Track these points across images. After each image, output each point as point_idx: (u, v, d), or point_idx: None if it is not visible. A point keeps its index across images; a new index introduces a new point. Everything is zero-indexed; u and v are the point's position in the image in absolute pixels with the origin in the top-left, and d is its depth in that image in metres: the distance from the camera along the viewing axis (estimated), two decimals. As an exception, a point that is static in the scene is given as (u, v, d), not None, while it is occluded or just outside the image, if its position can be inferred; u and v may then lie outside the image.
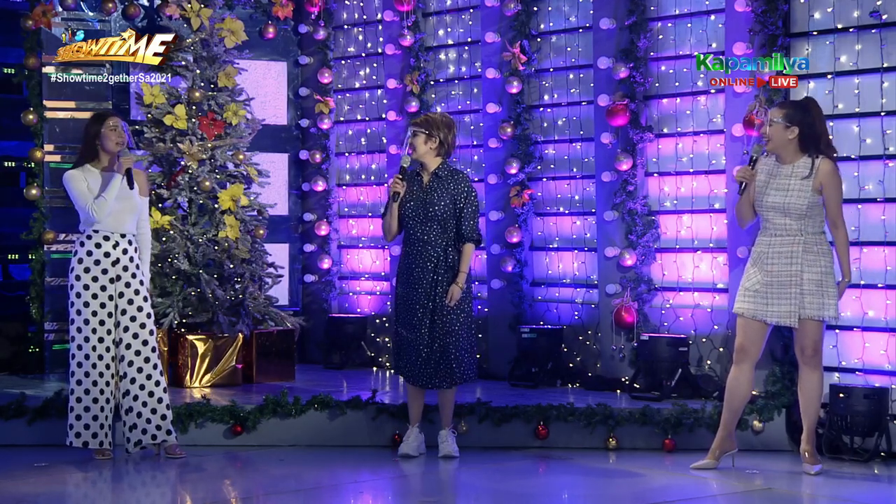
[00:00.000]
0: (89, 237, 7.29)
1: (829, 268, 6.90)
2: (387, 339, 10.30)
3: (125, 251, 7.31)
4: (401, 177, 7.27)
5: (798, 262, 6.86)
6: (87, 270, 7.27)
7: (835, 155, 7.00)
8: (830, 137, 7.04)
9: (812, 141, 6.90)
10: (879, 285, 7.61)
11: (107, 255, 7.27)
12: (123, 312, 7.31)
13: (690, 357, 8.43)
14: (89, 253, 7.27)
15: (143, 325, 7.33)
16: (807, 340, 6.92)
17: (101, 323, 7.28)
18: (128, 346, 7.30)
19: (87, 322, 7.26)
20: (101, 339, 7.27)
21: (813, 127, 6.89)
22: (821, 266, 6.88)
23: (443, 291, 7.24)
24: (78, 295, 7.28)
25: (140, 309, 7.33)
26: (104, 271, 7.27)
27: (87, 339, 7.26)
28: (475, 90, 9.85)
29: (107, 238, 7.28)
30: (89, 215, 7.22)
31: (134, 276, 7.32)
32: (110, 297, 7.29)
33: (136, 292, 7.33)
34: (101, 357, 7.27)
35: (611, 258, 8.85)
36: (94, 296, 7.26)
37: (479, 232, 7.38)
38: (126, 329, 7.30)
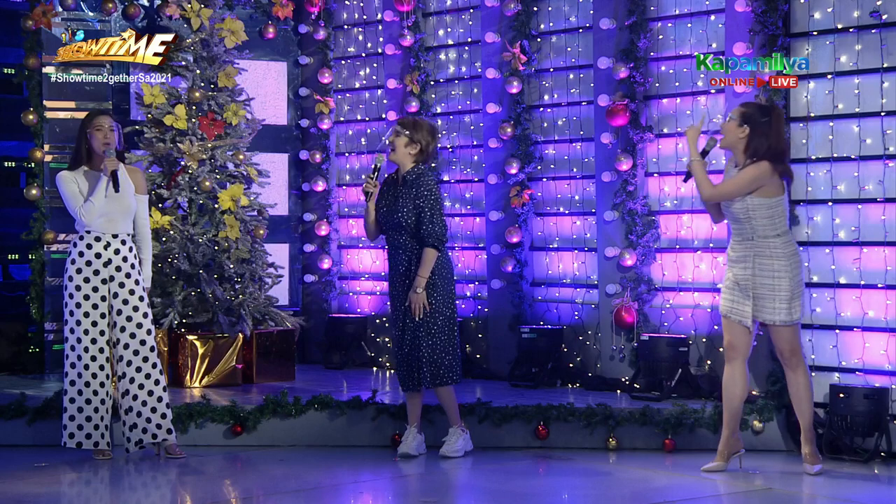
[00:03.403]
0: (81, 238, 7.30)
1: (783, 272, 6.84)
2: (387, 339, 10.30)
3: (117, 251, 7.31)
4: (373, 176, 7.29)
5: (751, 267, 6.88)
6: (78, 271, 7.27)
7: (782, 168, 6.88)
8: (784, 149, 6.94)
9: (759, 146, 6.82)
10: (879, 285, 7.61)
11: (98, 255, 7.27)
12: (119, 313, 7.30)
13: (690, 357, 8.43)
14: (81, 254, 7.28)
15: (139, 325, 7.33)
16: (780, 343, 6.96)
17: (94, 324, 7.27)
18: (126, 346, 7.30)
19: (79, 323, 7.26)
20: (93, 340, 7.27)
21: (763, 132, 6.81)
22: (774, 269, 6.86)
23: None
24: (70, 296, 7.28)
25: (136, 309, 7.32)
26: (96, 272, 7.27)
27: (79, 340, 7.26)
28: (475, 90, 9.85)
29: (98, 239, 7.28)
30: (78, 219, 7.24)
31: (128, 276, 7.31)
32: (103, 298, 7.29)
33: (131, 292, 7.32)
34: (94, 358, 7.27)
35: (611, 258, 8.86)
36: (86, 297, 7.26)
37: (439, 235, 7.18)
38: (123, 329, 7.30)
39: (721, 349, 8.34)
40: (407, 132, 7.29)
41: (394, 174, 7.40)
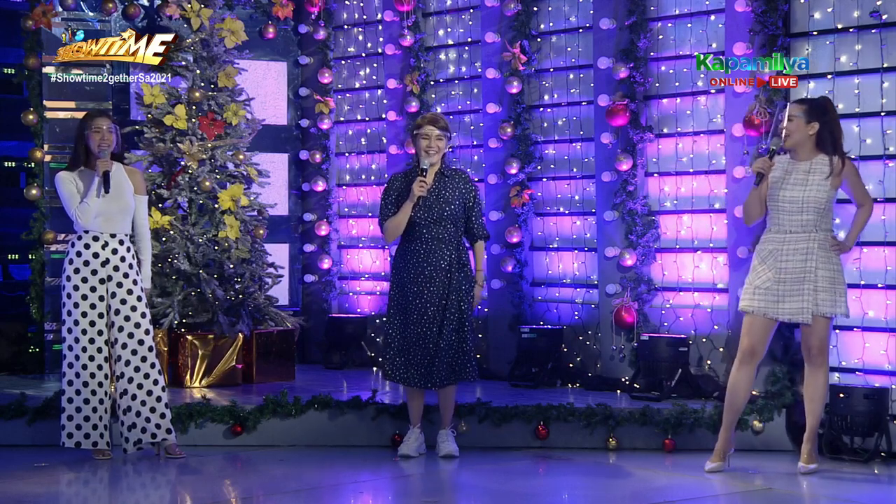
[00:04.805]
0: (80, 238, 7.30)
1: (840, 266, 6.93)
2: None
3: (115, 251, 7.31)
4: (425, 180, 7.24)
5: (813, 259, 6.86)
6: (76, 271, 7.27)
7: (849, 155, 7.08)
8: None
9: (830, 139, 6.92)
10: (879, 285, 7.61)
11: (96, 255, 7.28)
12: (117, 312, 7.30)
13: (690, 357, 8.43)
14: (79, 254, 7.28)
15: (137, 325, 7.32)
16: (814, 339, 6.91)
17: (92, 324, 7.27)
18: (124, 346, 7.30)
19: (77, 323, 7.26)
20: (91, 340, 7.27)
21: (831, 125, 6.93)
22: (833, 263, 6.90)
23: (456, 289, 7.26)
24: (69, 296, 7.28)
25: (134, 308, 7.32)
26: (94, 272, 7.27)
27: (77, 340, 7.26)
28: (475, 90, 9.85)
29: (96, 239, 7.28)
30: (74, 219, 7.24)
31: (126, 276, 7.32)
32: (101, 298, 7.29)
33: (129, 292, 7.32)
34: (92, 358, 7.27)
35: (611, 258, 8.85)
36: (84, 296, 7.26)
37: (486, 228, 7.52)
38: (121, 329, 7.30)
39: (721, 349, 8.37)
40: (447, 133, 7.32)
41: (421, 169, 7.26)
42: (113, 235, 7.32)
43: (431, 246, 7.28)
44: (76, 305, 7.27)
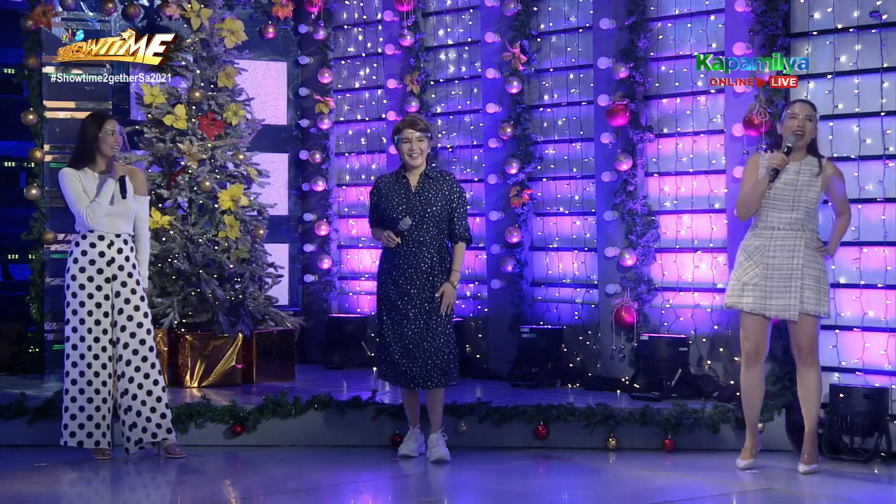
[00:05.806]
0: (84, 237, 7.30)
1: (825, 266, 7.00)
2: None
3: (120, 251, 7.32)
4: (398, 239, 7.23)
5: (800, 257, 6.90)
6: (82, 270, 7.28)
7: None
8: None
9: (815, 140, 7.06)
10: (879, 285, 7.61)
11: (101, 254, 7.28)
12: (120, 312, 7.31)
13: (690, 357, 8.43)
14: (84, 253, 7.28)
15: (140, 325, 7.33)
16: (803, 338, 6.95)
17: (97, 323, 7.28)
18: (125, 346, 7.30)
19: (82, 322, 7.27)
20: (96, 339, 7.28)
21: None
22: (818, 263, 6.97)
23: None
24: (73, 295, 7.29)
25: (137, 308, 7.33)
26: (99, 271, 7.28)
27: (82, 339, 7.27)
28: (475, 90, 9.85)
29: (101, 238, 7.29)
30: (83, 219, 7.24)
31: (130, 275, 7.33)
32: (106, 297, 7.30)
33: (133, 291, 7.33)
34: (96, 357, 7.27)
35: (611, 258, 8.86)
36: (90, 295, 7.27)
37: (470, 231, 7.39)
38: (123, 329, 7.31)
39: (721, 349, 8.37)
40: (427, 135, 7.30)
41: (403, 172, 7.34)
42: (118, 235, 7.33)
43: (412, 248, 7.27)
44: (81, 304, 7.27)
